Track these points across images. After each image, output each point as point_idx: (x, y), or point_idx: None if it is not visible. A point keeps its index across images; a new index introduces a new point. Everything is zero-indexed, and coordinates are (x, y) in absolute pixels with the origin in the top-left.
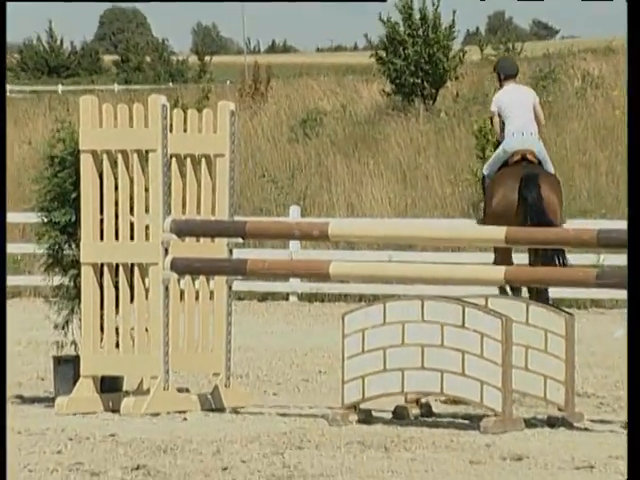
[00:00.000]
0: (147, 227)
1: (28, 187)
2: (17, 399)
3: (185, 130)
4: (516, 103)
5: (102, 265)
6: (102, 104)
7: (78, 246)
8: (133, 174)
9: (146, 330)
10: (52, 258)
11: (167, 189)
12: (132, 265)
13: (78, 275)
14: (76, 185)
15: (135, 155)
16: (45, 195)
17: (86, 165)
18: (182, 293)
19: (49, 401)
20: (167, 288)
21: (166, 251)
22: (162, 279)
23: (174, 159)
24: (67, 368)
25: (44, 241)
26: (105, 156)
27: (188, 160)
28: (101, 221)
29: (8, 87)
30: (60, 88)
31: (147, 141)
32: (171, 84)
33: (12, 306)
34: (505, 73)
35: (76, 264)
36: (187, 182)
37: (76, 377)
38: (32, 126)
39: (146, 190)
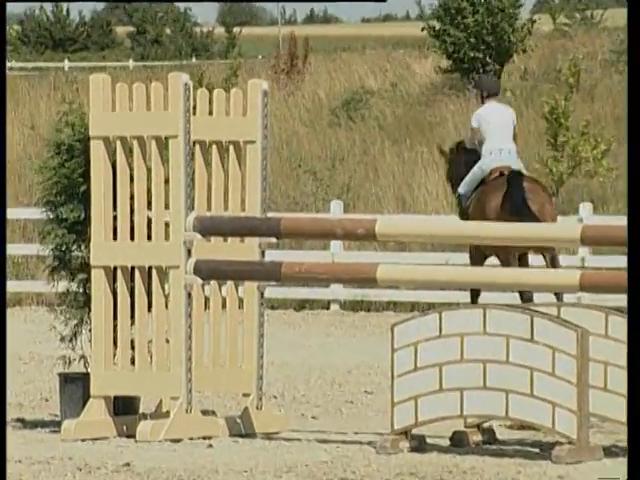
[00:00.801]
0: (167, 225)
1: (30, 178)
2: (18, 423)
3: (210, 113)
4: (497, 121)
5: (115, 268)
6: (115, 83)
7: (88, 246)
8: (151, 164)
9: (167, 341)
10: (58, 260)
11: (190, 181)
12: (150, 268)
13: (88, 280)
14: (86, 176)
15: (153, 142)
16: (50, 188)
17: (97, 154)
18: (207, 301)
19: (54, 425)
20: (190, 295)
21: (189, 252)
22: (184, 285)
23: (198, 146)
24: (75, 387)
25: (49, 241)
26: (119, 143)
27: (214, 147)
28: (114, 218)
29: (7, 64)
30: (66, 64)
31: (167, 126)
32: (194, 60)
33: (12, 316)
34: (488, 91)
35: (85, 267)
36: (213, 173)
37: (85, 398)
38: (34, 108)
39: (166, 182)
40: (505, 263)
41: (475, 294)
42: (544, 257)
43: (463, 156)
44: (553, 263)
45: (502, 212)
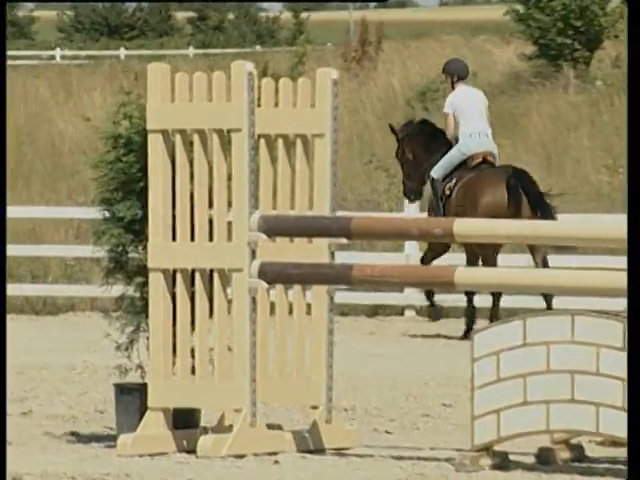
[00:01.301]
0: (229, 225)
1: (85, 175)
2: (72, 437)
3: (276, 104)
4: (471, 105)
5: (174, 271)
6: (174, 72)
7: (145, 247)
8: (212, 159)
9: (229, 350)
10: (114, 262)
11: (254, 178)
12: (211, 271)
13: (145, 284)
14: (145, 172)
15: (215, 136)
16: (106, 184)
17: (155, 148)
18: (273, 306)
19: (110, 440)
20: (254, 300)
21: (253, 254)
22: (248, 289)
23: (262, 140)
24: (132, 399)
25: (104, 241)
26: (178, 137)
27: (280, 141)
28: (173, 217)
29: (59, 52)
30: (123, 52)
31: (230, 118)
32: (259, 47)
33: (65, 322)
34: (458, 75)
35: (143, 270)
36: (279, 169)
37: (143, 410)
38: (88, 99)
39: (228, 179)
40: (487, 261)
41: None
42: (534, 257)
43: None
44: (544, 263)
45: (511, 209)
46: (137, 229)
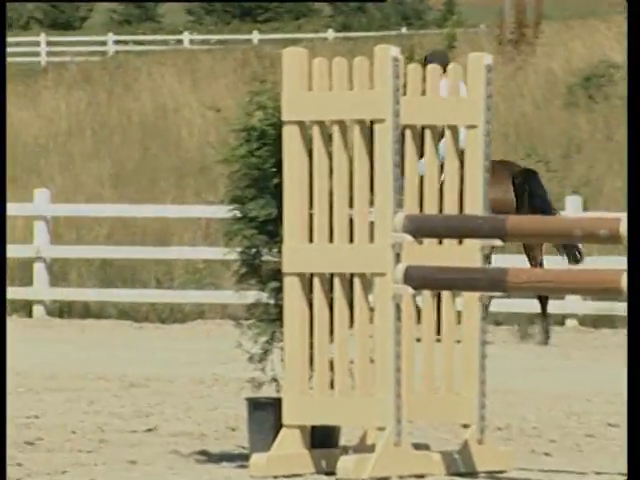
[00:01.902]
0: (371, 225)
1: (214, 171)
2: (200, 456)
3: (423, 92)
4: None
5: (311, 276)
6: (312, 58)
7: (280, 250)
8: (353, 153)
9: (371, 362)
10: (247, 266)
11: (399, 173)
12: (351, 276)
13: (280, 289)
14: (280, 167)
15: (356, 127)
16: (238, 181)
17: (291, 141)
18: (419, 314)
19: (242, 459)
20: (399, 307)
21: (397, 257)
22: (392, 295)
23: (409, 132)
24: (266, 415)
25: (236, 243)
26: (316, 129)
27: (427, 133)
28: (310, 216)
29: (187, 36)
30: (256, 37)
31: (372, 108)
32: (405, 30)
33: (193, 330)
34: (444, 67)
35: (277, 274)
36: (426, 164)
37: (278, 427)
38: (216, 87)
39: (370, 175)
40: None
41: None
42: (529, 257)
43: None
44: (541, 263)
45: (522, 208)
46: (271, 230)
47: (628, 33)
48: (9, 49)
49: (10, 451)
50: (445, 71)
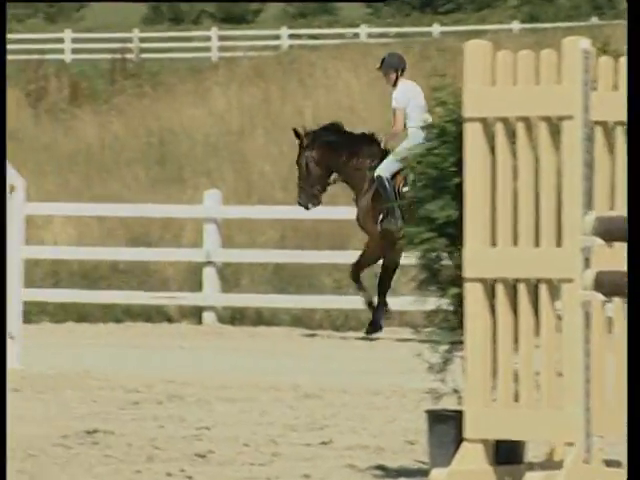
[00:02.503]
0: (559, 227)
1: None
2: (377, 471)
3: (615, 87)
4: (418, 100)
5: (494, 281)
6: (496, 51)
7: (461, 254)
8: (539, 151)
9: (559, 374)
10: (427, 271)
11: (589, 172)
12: (537, 282)
13: (461, 295)
14: (460, 166)
15: (542, 124)
16: (416, 180)
17: (473, 139)
18: (610, 323)
19: (421, 474)
20: (588, 315)
21: (587, 262)
22: (581, 302)
23: (600, 129)
24: (447, 428)
25: (415, 247)
26: (499, 126)
27: (618, 130)
28: (493, 219)
29: (364, 29)
30: (437, 29)
31: (560, 104)
32: (596, 19)
33: (368, 338)
34: (402, 69)
35: (458, 280)
36: (617, 162)
37: (459, 441)
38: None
39: (558, 174)
40: None
41: None
42: None
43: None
44: None
45: None
46: (451, 232)
47: (628, 33)
48: (180, 44)
49: (180, 464)
50: (402, 74)
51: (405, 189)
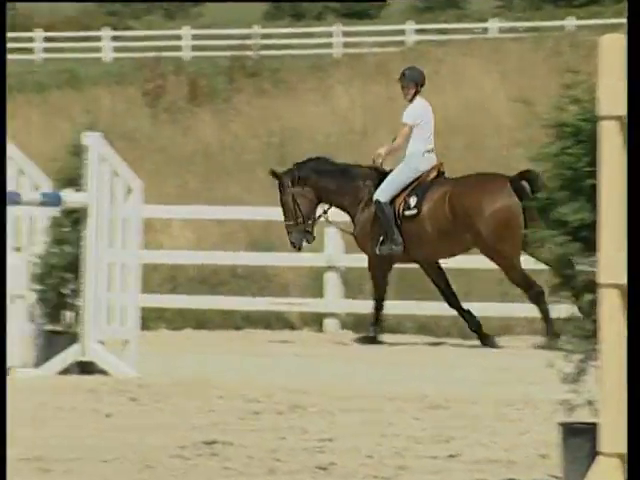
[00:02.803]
0: None
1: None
2: None
3: None
4: (428, 121)
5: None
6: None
7: (596, 259)
8: None
9: None
10: (560, 276)
11: None
12: None
13: (596, 302)
14: (595, 167)
15: None
16: (549, 181)
17: (608, 138)
18: None
19: None
20: None
21: None
22: None
23: None
24: (581, 442)
25: (546, 251)
26: None
27: None
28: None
29: (495, 24)
30: (572, 23)
31: None
32: None
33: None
34: (422, 85)
35: (593, 285)
36: None
37: (594, 455)
38: (526, 79)
39: None
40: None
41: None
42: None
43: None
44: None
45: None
46: (586, 236)
47: (628, 32)
48: (301, 40)
49: (302, 476)
50: (419, 90)
51: (407, 212)
